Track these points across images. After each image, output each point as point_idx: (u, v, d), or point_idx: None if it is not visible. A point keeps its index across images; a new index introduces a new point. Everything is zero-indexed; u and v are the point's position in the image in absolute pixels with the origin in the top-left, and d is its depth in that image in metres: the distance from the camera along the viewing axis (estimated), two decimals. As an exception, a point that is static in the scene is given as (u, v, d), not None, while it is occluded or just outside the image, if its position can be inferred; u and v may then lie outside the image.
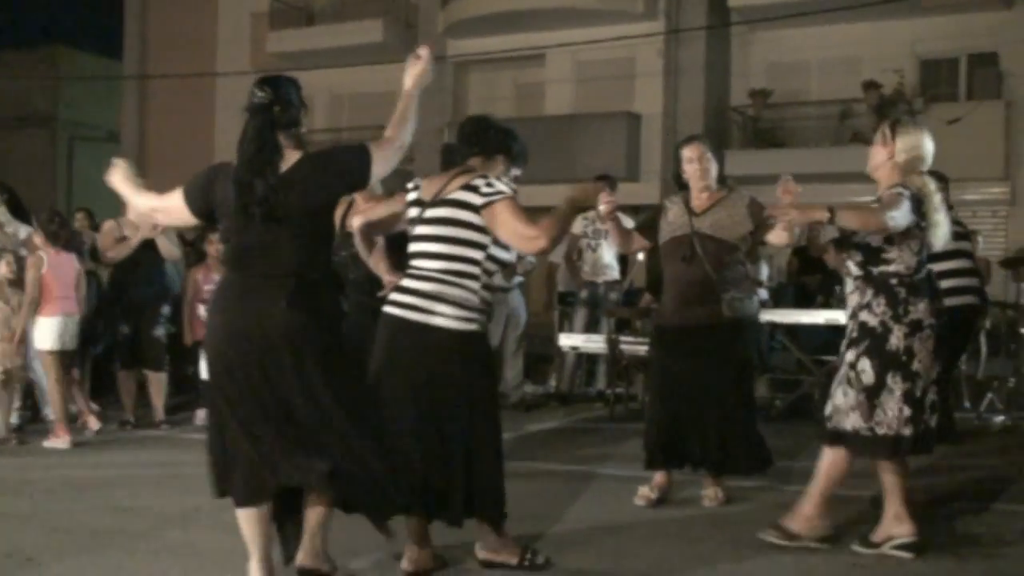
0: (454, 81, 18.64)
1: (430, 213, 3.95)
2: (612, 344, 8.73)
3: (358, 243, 4.29)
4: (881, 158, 4.38)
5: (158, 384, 7.99)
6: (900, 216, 4.15)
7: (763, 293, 10.64)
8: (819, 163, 14.12)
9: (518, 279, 9.19)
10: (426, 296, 3.88)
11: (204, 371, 3.83)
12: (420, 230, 3.97)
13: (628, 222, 7.54)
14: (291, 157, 3.63)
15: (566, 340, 9.33)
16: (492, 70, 18.52)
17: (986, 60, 15.56)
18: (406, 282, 3.96)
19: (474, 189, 3.89)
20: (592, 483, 5.82)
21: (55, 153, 26.10)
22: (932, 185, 4.36)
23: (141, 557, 4.26)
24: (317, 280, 3.62)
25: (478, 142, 4.10)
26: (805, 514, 4.37)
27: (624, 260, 9.65)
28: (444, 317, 3.87)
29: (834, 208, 4.12)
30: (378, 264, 4.22)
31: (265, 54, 19.93)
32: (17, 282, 7.38)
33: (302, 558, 3.72)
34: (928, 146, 4.41)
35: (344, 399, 3.56)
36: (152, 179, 9.02)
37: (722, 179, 5.36)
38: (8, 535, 4.59)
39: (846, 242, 4.39)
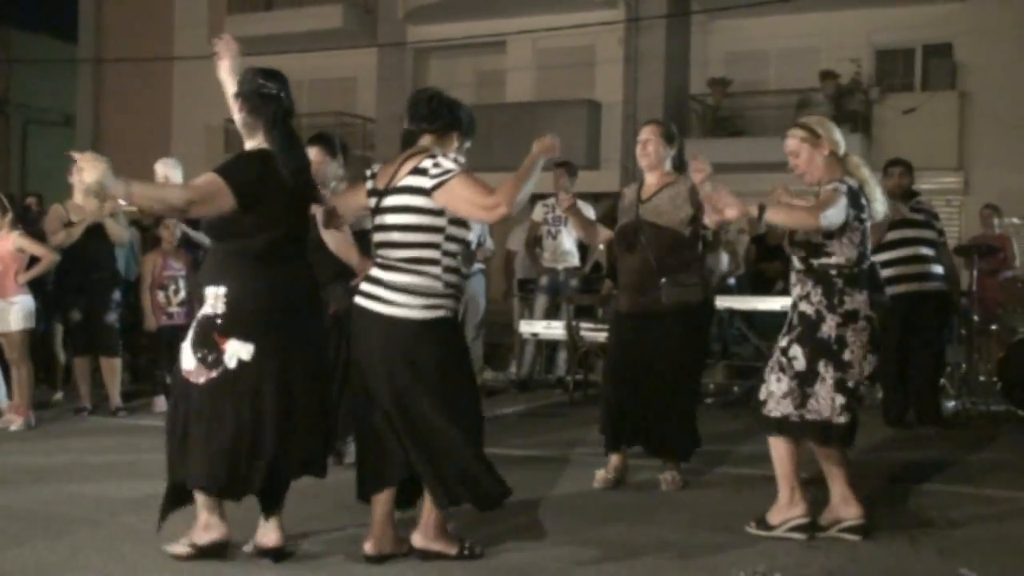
0: (414, 67, 18.58)
1: (385, 202, 3.94)
2: (572, 331, 8.77)
3: (324, 234, 4.26)
4: (819, 159, 4.38)
5: (112, 370, 7.90)
6: (834, 214, 4.20)
7: (731, 281, 10.74)
8: (777, 152, 13.94)
9: (478, 266, 9.20)
10: (390, 287, 3.88)
11: (184, 360, 3.88)
12: (378, 220, 3.97)
13: (588, 210, 7.57)
14: None
15: (526, 327, 9.36)
16: (452, 56, 18.48)
17: (941, 51, 15.76)
18: (374, 272, 3.97)
19: (423, 172, 3.87)
20: (550, 467, 5.85)
21: (9, 137, 25.68)
22: (859, 160, 4.49)
23: (98, 542, 4.22)
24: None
25: (432, 120, 4.05)
26: (778, 504, 4.38)
27: (584, 246, 9.69)
28: (408, 308, 3.87)
29: (763, 206, 4.18)
30: (348, 253, 4.21)
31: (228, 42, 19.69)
32: None
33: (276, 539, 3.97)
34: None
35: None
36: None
37: (678, 167, 5.38)
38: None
39: (789, 239, 4.42)
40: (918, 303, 7.37)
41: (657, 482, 5.32)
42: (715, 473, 5.71)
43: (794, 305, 4.42)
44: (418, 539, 3.99)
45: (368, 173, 4.08)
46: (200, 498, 3.91)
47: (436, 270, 3.89)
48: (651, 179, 5.35)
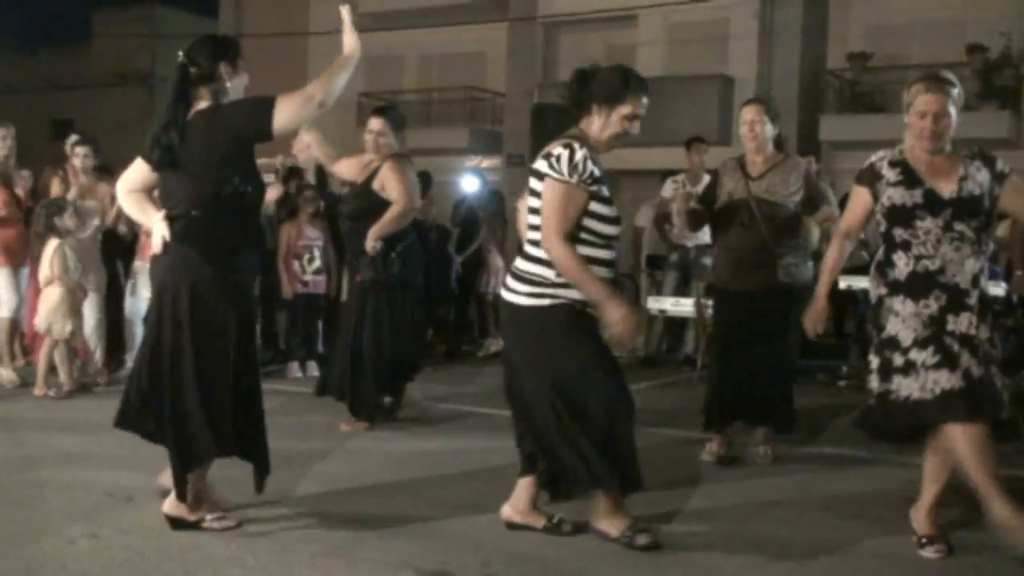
0: (544, 42, 18.53)
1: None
2: (701, 308, 8.64)
3: None
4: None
5: (251, 336, 8.10)
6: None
7: (864, 256, 10.41)
8: (918, 129, 13.72)
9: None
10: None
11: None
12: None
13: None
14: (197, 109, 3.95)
15: (654, 303, 9.27)
16: (583, 31, 18.35)
17: (1100, 23, 14.91)
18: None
19: (546, 157, 3.85)
20: (677, 444, 5.79)
21: (153, 111, 26.66)
22: None
23: (237, 499, 4.35)
24: (211, 223, 3.87)
25: (572, 103, 3.99)
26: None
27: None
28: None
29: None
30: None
31: (357, 14, 19.97)
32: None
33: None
34: None
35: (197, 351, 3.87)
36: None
37: (779, 144, 5.41)
38: (108, 475, 4.74)
39: (964, 203, 3.86)
40: None
41: (752, 455, 5.44)
42: (851, 455, 5.54)
43: (975, 282, 3.84)
44: (508, 511, 4.07)
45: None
46: None
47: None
48: (758, 158, 5.30)
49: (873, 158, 4.03)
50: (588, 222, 3.83)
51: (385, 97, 20.75)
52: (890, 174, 3.94)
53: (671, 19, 17.17)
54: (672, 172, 9.84)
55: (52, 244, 7.10)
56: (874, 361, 3.92)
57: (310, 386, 7.83)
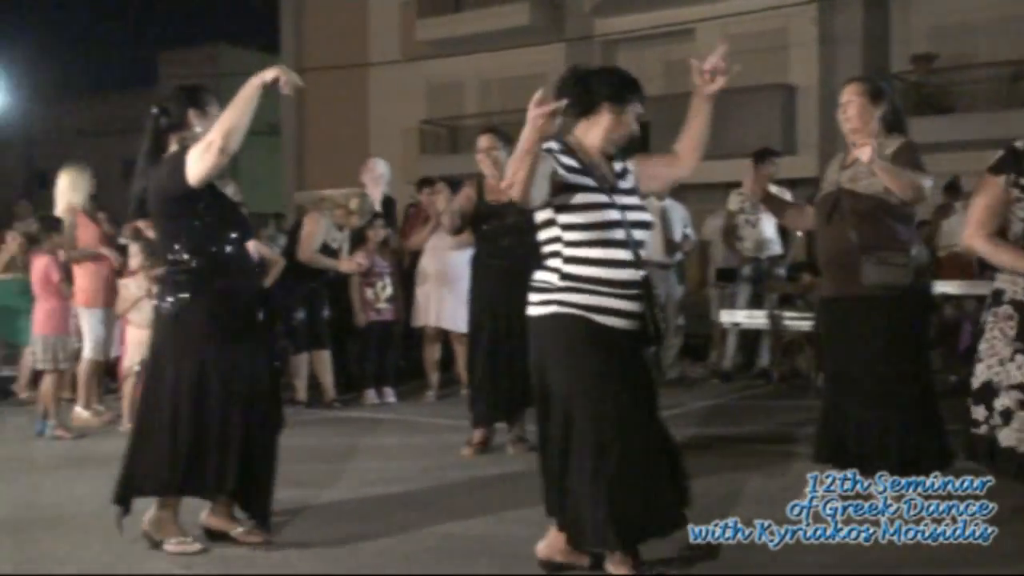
0: (603, 61, 18.53)
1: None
2: (775, 320, 8.56)
3: None
4: None
5: (324, 363, 8.20)
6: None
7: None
8: (990, 128, 13.41)
9: (678, 256, 9.16)
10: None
11: None
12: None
13: (786, 195, 7.29)
14: None
15: (727, 316, 9.18)
16: (641, 48, 18.36)
17: None
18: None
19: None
20: (751, 459, 5.73)
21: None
22: None
23: (332, 523, 4.42)
24: (181, 266, 4.02)
25: (574, 106, 3.75)
26: None
27: (785, 234, 9.44)
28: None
29: None
30: None
31: (415, 42, 20.30)
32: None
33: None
34: None
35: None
36: (311, 168, 9.24)
37: (897, 126, 4.59)
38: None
39: None
40: None
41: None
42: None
43: None
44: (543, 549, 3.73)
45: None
46: None
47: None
48: (854, 144, 4.56)
49: None
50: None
51: (446, 123, 20.94)
52: None
53: (729, 31, 17.06)
54: (737, 184, 9.78)
55: (124, 282, 7.32)
56: None
57: (386, 412, 7.92)
